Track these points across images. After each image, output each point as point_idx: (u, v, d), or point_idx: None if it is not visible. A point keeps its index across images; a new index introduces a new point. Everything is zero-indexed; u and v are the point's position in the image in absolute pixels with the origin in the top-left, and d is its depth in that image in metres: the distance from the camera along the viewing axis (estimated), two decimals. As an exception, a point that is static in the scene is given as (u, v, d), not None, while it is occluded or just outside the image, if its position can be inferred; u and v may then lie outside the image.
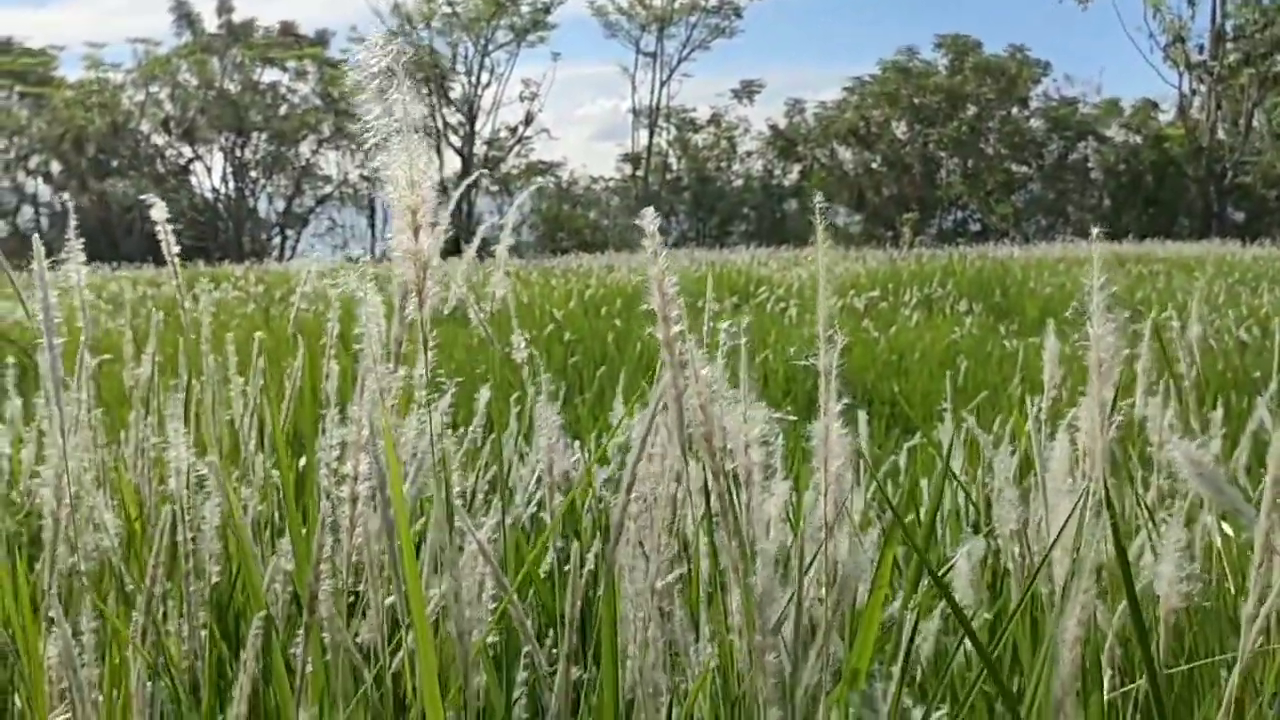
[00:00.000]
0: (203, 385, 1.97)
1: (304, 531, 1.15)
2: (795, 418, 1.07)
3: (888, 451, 5.42)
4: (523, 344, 2.05)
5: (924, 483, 2.97)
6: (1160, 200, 43.61)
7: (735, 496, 0.86)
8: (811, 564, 0.86)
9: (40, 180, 44.86)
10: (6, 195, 44.64)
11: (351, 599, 1.09)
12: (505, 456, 1.86)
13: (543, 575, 1.30)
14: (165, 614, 1.21)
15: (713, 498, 0.83)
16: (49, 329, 1.10)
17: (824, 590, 0.83)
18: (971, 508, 2.30)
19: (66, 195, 41.78)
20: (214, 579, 1.21)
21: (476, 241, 1.97)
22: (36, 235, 1.66)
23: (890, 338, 10.66)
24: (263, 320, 11.75)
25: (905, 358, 9.88)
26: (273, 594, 1.18)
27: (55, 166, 44.56)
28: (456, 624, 0.81)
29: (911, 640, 0.94)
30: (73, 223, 1.58)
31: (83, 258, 1.57)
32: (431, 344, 1.59)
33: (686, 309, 2.93)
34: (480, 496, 2.09)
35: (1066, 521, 0.99)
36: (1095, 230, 1.05)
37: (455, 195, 2.01)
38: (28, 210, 44.96)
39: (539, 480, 1.15)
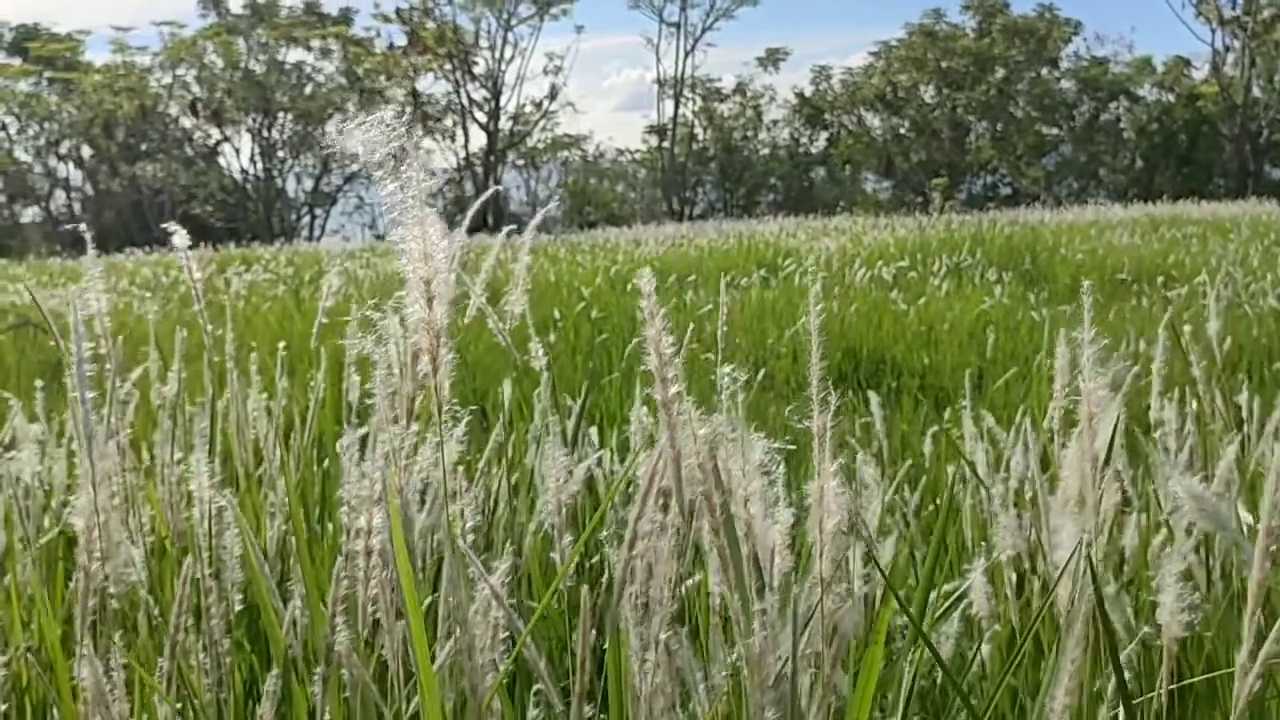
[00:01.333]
0: (228, 402, 2.00)
1: (320, 579, 1.19)
2: (794, 446, 1.08)
3: (916, 428, 5.41)
4: (540, 352, 2.07)
5: (950, 469, 2.96)
6: (1194, 160, 42.96)
7: (737, 548, 0.88)
8: (809, 622, 0.88)
9: (72, 165, 45.26)
10: (39, 181, 45.07)
11: (371, 635, 1.12)
12: (502, 493, 1.88)
13: (559, 608, 1.33)
14: (190, 647, 1.25)
15: (714, 552, 0.85)
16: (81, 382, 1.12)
17: (823, 645, 0.85)
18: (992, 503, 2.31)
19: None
20: (238, 605, 1.24)
21: (522, 270, 1.98)
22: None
23: (919, 309, 10.60)
24: (293, 303, 11.83)
25: (935, 329, 9.83)
26: (295, 630, 1.21)
27: (86, 151, 44.93)
28: (470, 679, 0.84)
29: (911, 691, 0.95)
30: (92, 252, 1.61)
31: (100, 283, 1.59)
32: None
33: (713, 281, 2.92)
34: (502, 505, 2.11)
35: (1073, 555, 1.00)
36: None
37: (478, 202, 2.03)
38: (60, 195, 45.40)
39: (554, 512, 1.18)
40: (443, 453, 0.90)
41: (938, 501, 2.84)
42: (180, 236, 1.62)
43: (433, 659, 1.05)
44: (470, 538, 1.24)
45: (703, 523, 0.96)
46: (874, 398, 3.59)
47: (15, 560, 1.69)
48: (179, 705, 1.14)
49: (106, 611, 1.62)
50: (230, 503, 1.15)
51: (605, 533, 1.29)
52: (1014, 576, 1.44)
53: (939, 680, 1.37)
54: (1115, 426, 0.94)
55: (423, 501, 1.10)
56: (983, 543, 1.90)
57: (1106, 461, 0.92)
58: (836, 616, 0.84)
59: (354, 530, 0.99)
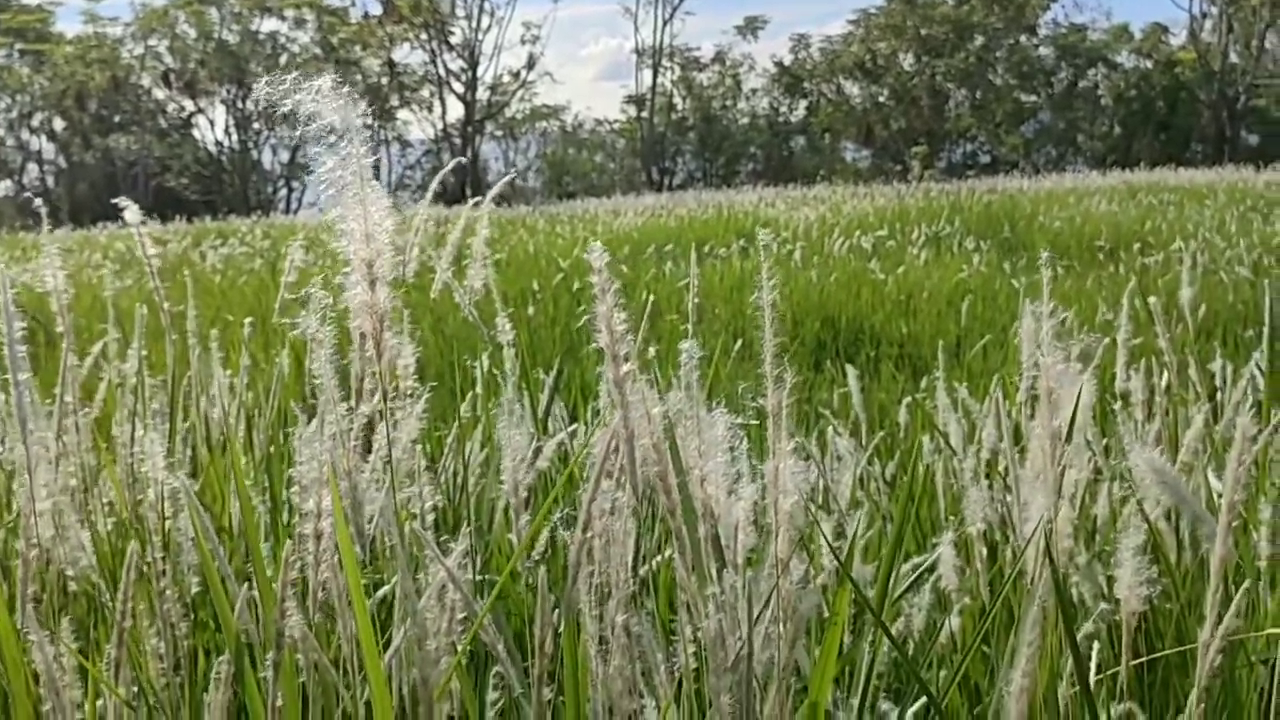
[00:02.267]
0: (190, 381, 1.96)
1: (272, 556, 1.16)
2: (757, 423, 1.06)
3: (893, 398, 5.41)
4: (508, 326, 2.04)
5: (925, 440, 2.96)
6: (1172, 126, 43.04)
7: (695, 527, 0.86)
8: (766, 605, 0.86)
9: (44, 138, 44.69)
10: (11, 154, 44.50)
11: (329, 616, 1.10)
12: (472, 468, 1.86)
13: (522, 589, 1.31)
14: (144, 632, 1.22)
15: (672, 535, 0.83)
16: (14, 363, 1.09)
17: (781, 628, 0.83)
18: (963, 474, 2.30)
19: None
20: (194, 589, 1.22)
21: (481, 231, 1.95)
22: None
23: (898, 278, 10.62)
24: (269, 276, 11.73)
25: (914, 298, 9.85)
26: (257, 615, 1.18)
27: (58, 124, 44.36)
28: (420, 669, 0.82)
29: (870, 673, 0.94)
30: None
31: (57, 262, 1.55)
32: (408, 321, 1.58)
33: (692, 253, 2.86)
34: (472, 480, 2.09)
35: (1036, 530, 0.98)
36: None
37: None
38: (33, 169, 44.85)
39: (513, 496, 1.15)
40: (387, 434, 0.87)
41: (909, 475, 2.84)
42: (132, 212, 1.58)
43: (389, 644, 1.03)
44: (431, 517, 1.22)
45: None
46: (851, 370, 3.59)
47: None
48: (131, 691, 1.12)
49: (67, 596, 1.59)
50: (184, 484, 1.12)
51: (561, 514, 1.28)
52: (984, 550, 1.43)
53: (909, 655, 1.36)
54: (1078, 399, 0.92)
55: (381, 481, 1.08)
56: (953, 516, 1.89)
57: (1068, 436, 0.91)
58: (794, 597, 0.83)
59: (303, 512, 0.96)
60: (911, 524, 2.36)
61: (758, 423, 1.15)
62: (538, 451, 1.92)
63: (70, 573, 1.48)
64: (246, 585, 1.00)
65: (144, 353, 1.93)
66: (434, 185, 2.14)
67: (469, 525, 1.17)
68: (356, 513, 0.92)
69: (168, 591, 1.21)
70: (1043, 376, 0.89)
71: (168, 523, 1.30)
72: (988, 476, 1.71)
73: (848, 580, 0.80)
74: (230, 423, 1.64)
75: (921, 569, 1.28)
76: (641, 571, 1.57)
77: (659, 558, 1.52)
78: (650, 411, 0.83)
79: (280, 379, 1.91)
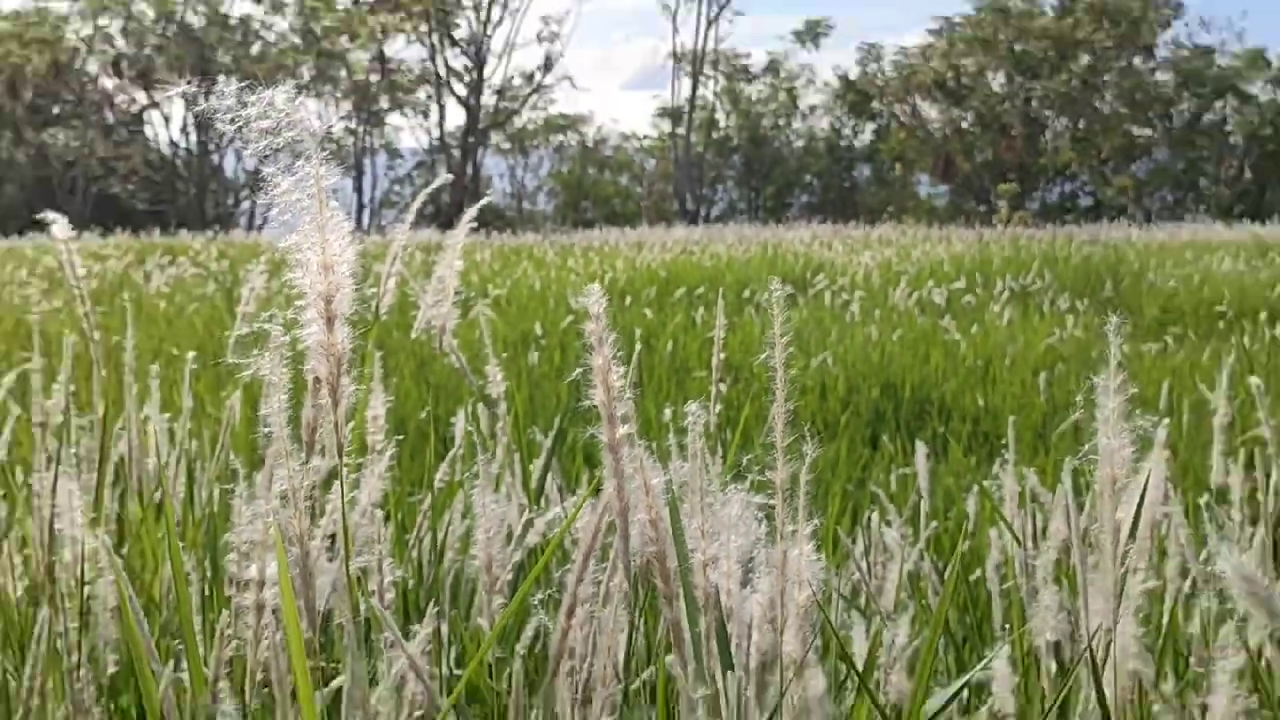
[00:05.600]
0: (125, 422, 2.01)
1: (206, 631, 1.19)
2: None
3: (963, 483, 5.41)
4: (499, 376, 2.08)
5: (993, 533, 2.97)
6: (1315, 172, 43.06)
7: (696, 620, 0.88)
8: (773, 716, 0.88)
9: (-33, 130, 45.42)
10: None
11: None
12: (451, 535, 1.89)
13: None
14: (53, 713, 1.25)
15: (669, 628, 0.85)
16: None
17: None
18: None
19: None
20: (111, 669, 1.24)
21: (452, 260, 1.99)
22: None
23: (975, 340, 10.65)
24: (225, 304, 11.86)
25: (993, 365, 9.86)
26: (184, 699, 1.21)
27: (-14, 114, 45.06)
28: (370, 767, 0.84)
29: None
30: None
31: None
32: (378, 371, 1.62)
33: (733, 298, 2.89)
34: (448, 556, 2.12)
35: (1090, 641, 1.01)
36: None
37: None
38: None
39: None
40: (341, 493, 0.90)
41: (980, 572, 2.85)
42: (60, 226, 1.64)
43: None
44: (390, 595, 1.25)
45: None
46: (920, 446, 3.61)
47: None
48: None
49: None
50: (104, 543, 1.16)
51: (545, 596, 1.30)
52: (1053, 665, 1.45)
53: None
54: (1144, 489, 0.95)
55: (332, 548, 1.11)
56: (1005, 625, 1.90)
57: (1133, 531, 0.93)
58: (807, 705, 0.85)
59: (243, 582, 1.00)
60: (972, 633, 2.38)
61: (773, 504, 1.18)
62: (528, 526, 1.95)
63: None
64: (173, 664, 1.04)
65: (71, 388, 1.98)
66: (416, 203, 2.17)
67: (436, 606, 1.19)
68: (306, 585, 0.95)
69: (81, 669, 1.25)
70: (1103, 463, 0.91)
71: (86, 588, 1.33)
72: (1057, 580, 1.72)
73: (865, 693, 0.82)
74: (167, 475, 1.68)
75: (962, 684, 1.30)
76: (641, 678, 1.60)
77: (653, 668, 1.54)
78: (649, 482, 0.86)
79: (229, 426, 1.96)
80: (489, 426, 2.51)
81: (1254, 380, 1.60)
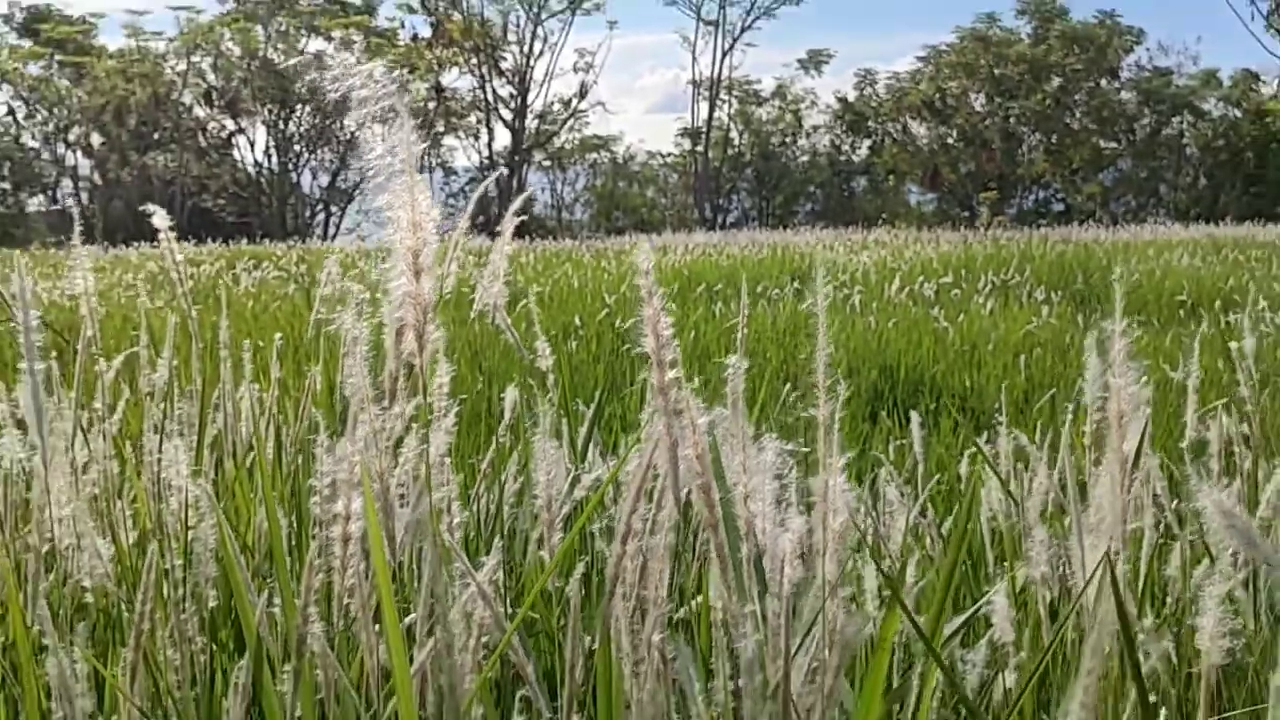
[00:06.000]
0: (220, 393, 2.00)
1: (291, 563, 1.17)
2: (807, 449, 1.06)
3: (954, 453, 5.36)
4: (547, 350, 2.06)
5: (984, 492, 2.93)
6: (1263, 179, 42.55)
7: (736, 547, 0.86)
8: (810, 630, 0.86)
9: (80, 153, 45.73)
10: (46, 168, 45.57)
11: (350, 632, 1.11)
12: (509, 479, 1.87)
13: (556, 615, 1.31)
14: (162, 642, 1.24)
15: (712, 553, 0.83)
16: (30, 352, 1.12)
17: (827, 653, 0.83)
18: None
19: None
20: (212, 603, 1.23)
21: (505, 240, 1.96)
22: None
23: (961, 328, 10.57)
24: (304, 302, 11.89)
25: (978, 349, 9.78)
26: (276, 627, 1.20)
27: (96, 139, 45.38)
28: (448, 676, 0.82)
29: (917, 705, 0.93)
30: (72, 202, 1.63)
31: (88, 265, 1.60)
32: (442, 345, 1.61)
33: (743, 285, 2.84)
34: (503, 513, 2.10)
35: (1094, 571, 0.98)
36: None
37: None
38: (68, 184, 45.86)
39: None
40: (427, 436, 0.89)
41: (971, 525, 2.82)
42: (160, 217, 1.63)
43: (412, 660, 1.04)
44: (458, 535, 1.23)
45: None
46: (914, 416, 3.57)
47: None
48: (148, 702, 1.13)
49: (84, 610, 1.62)
50: (206, 490, 1.15)
51: (600, 525, 1.28)
52: (1047, 594, 1.41)
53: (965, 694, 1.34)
54: (1144, 434, 0.91)
55: (403, 498, 1.09)
56: (1004, 563, 1.87)
57: (1135, 463, 0.90)
58: (840, 622, 0.83)
59: (330, 517, 0.98)
60: (967, 578, 2.34)
61: (808, 449, 1.15)
62: (575, 481, 1.93)
63: (87, 584, 1.50)
64: (267, 594, 1.02)
65: (174, 363, 1.97)
66: (470, 207, 2.13)
67: (501, 540, 1.18)
68: (388, 517, 0.93)
69: (186, 603, 1.23)
70: (1113, 399, 0.88)
71: (190, 532, 1.32)
72: (1045, 521, 1.69)
73: (897, 603, 0.80)
74: (259, 434, 1.67)
75: (976, 608, 1.27)
76: (680, 612, 1.58)
77: (698, 600, 1.52)
78: (695, 420, 0.84)
79: (311, 391, 1.94)
80: (539, 395, 2.48)
81: (1235, 345, 1.55)
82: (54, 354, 2.18)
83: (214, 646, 1.55)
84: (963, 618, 1.21)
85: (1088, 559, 1.23)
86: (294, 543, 1.74)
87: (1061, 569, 1.53)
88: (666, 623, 0.94)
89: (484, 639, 1.11)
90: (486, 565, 1.01)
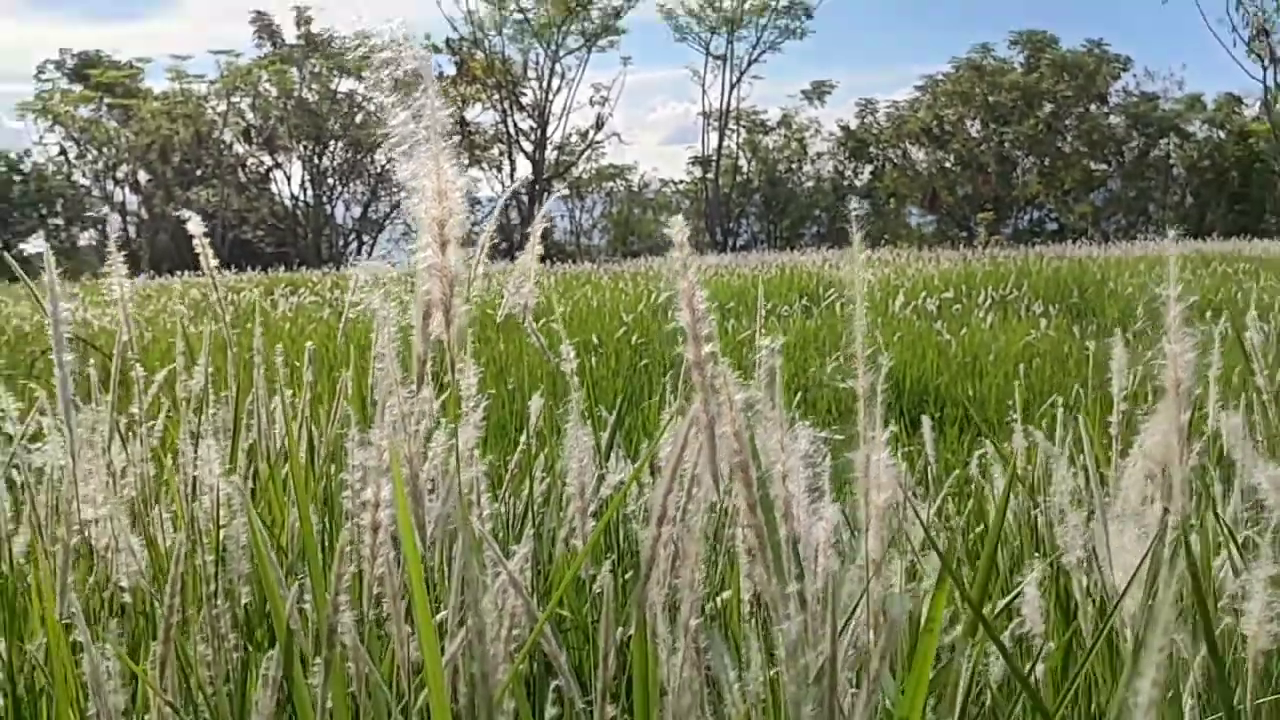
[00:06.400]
0: (254, 398, 1.94)
1: (324, 560, 1.11)
2: (842, 436, 1.00)
3: (960, 458, 5.28)
4: (571, 353, 1.99)
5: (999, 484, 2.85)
6: (1247, 197, 42.32)
7: (774, 528, 0.79)
8: (855, 609, 0.79)
9: (128, 189, 46.06)
10: (96, 204, 45.90)
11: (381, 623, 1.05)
12: (536, 481, 1.80)
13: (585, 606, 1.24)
14: (195, 638, 1.18)
15: (749, 533, 0.76)
16: (58, 344, 1.06)
17: (870, 635, 0.76)
18: (1039, 521, 2.20)
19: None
20: (244, 599, 1.17)
21: (534, 243, 1.91)
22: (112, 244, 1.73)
23: (963, 340, 10.47)
24: (337, 323, 11.87)
25: (979, 360, 9.68)
26: (306, 621, 1.13)
27: (143, 176, 45.71)
28: (480, 665, 0.76)
29: (970, 689, 0.86)
30: (112, 234, 1.58)
31: (125, 269, 1.55)
32: (469, 354, 1.54)
33: (756, 309, 2.79)
34: (530, 512, 2.03)
35: (1145, 556, 0.90)
36: (1172, 232, 0.96)
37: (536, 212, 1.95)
38: (116, 219, 46.17)
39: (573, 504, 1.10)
40: (452, 410, 0.82)
41: (984, 525, 2.74)
42: (195, 224, 1.57)
43: (443, 650, 0.97)
44: (488, 526, 1.16)
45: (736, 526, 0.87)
46: (925, 421, 3.49)
47: (38, 557, 1.64)
48: (180, 698, 1.07)
49: (121, 610, 1.56)
50: (238, 485, 1.08)
51: (631, 509, 1.21)
52: (1083, 580, 1.34)
53: (993, 698, 1.27)
54: (1189, 414, 0.84)
55: (433, 491, 1.03)
56: (1033, 555, 1.79)
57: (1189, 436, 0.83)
58: (886, 603, 0.75)
59: (359, 504, 0.91)
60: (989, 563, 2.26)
61: (841, 437, 1.08)
62: (600, 480, 1.86)
63: (124, 583, 1.44)
64: (298, 586, 0.95)
65: (210, 370, 1.91)
66: (489, 230, 2.05)
67: (533, 528, 1.11)
68: (417, 503, 0.87)
69: (218, 598, 1.17)
70: (1170, 366, 0.81)
71: (222, 531, 1.26)
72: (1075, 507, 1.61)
73: (947, 576, 0.73)
74: (292, 435, 1.61)
75: (1018, 591, 1.19)
76: (710, 605, 1.50)
77: (726, 594, 1.45)
78: (732, 397, 0.77)
79: (342, 393, 1.89)
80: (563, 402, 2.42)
81: (1249, 334, 1.48)
82: (98, 371, 2.13)
83: (249, 645, 1.49)
84: (1005, 600, 1.13)
85: (1114, 545, 1.16)
86: (326, 543, 1.67)
87: (1089, 557, 1.45)
88: (701, 610, 0.87)
89: (515, 631, 1.04)
90: (518, 553, 0.94)
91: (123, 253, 1.66)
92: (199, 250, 1.72)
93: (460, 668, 0.91)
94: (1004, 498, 0.85)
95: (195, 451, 1.68)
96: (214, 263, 1.66)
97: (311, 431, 1.91)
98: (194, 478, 1.45)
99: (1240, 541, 1.61)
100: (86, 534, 1.34)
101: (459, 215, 0.79)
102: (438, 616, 1.39)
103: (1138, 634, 0.89)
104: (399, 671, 0.95)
